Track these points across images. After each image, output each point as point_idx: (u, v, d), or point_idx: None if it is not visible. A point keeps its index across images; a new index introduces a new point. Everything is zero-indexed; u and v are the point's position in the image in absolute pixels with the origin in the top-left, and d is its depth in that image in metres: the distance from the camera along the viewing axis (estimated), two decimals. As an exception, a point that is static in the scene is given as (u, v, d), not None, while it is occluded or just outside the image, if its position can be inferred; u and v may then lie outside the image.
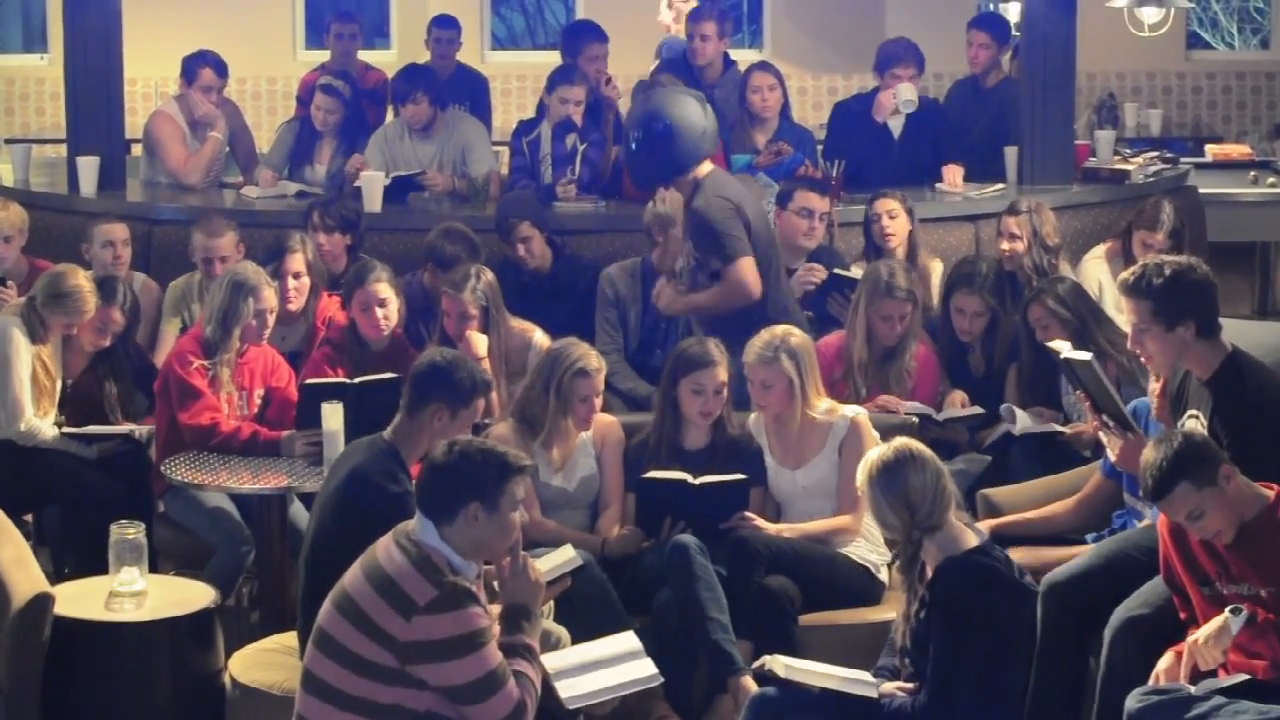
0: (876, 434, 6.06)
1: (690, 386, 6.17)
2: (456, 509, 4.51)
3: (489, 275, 6.92)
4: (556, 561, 5.44)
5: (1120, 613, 5.23)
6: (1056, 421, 6.75)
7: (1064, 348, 5.71)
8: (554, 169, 8.59)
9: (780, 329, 6.20)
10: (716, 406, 6.17)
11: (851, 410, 6.19)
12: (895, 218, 7.68)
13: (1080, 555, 5.58)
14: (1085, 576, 5.45)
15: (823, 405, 6.16)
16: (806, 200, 7.59)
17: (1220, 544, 4.91)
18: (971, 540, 5.00)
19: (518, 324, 6.99)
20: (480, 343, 6.76)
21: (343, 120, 9.05)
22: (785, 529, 6.03)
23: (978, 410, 6.86)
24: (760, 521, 5.99)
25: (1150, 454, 4.87)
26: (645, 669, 5.00)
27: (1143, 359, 5.40)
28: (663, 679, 5.05)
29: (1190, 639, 4.90)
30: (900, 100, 8.74)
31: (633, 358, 7.47)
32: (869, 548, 6.05)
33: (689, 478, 5.98)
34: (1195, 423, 5.20)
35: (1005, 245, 7.58)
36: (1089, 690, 5.44)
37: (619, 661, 4.99)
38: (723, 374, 6.15)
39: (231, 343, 6.62)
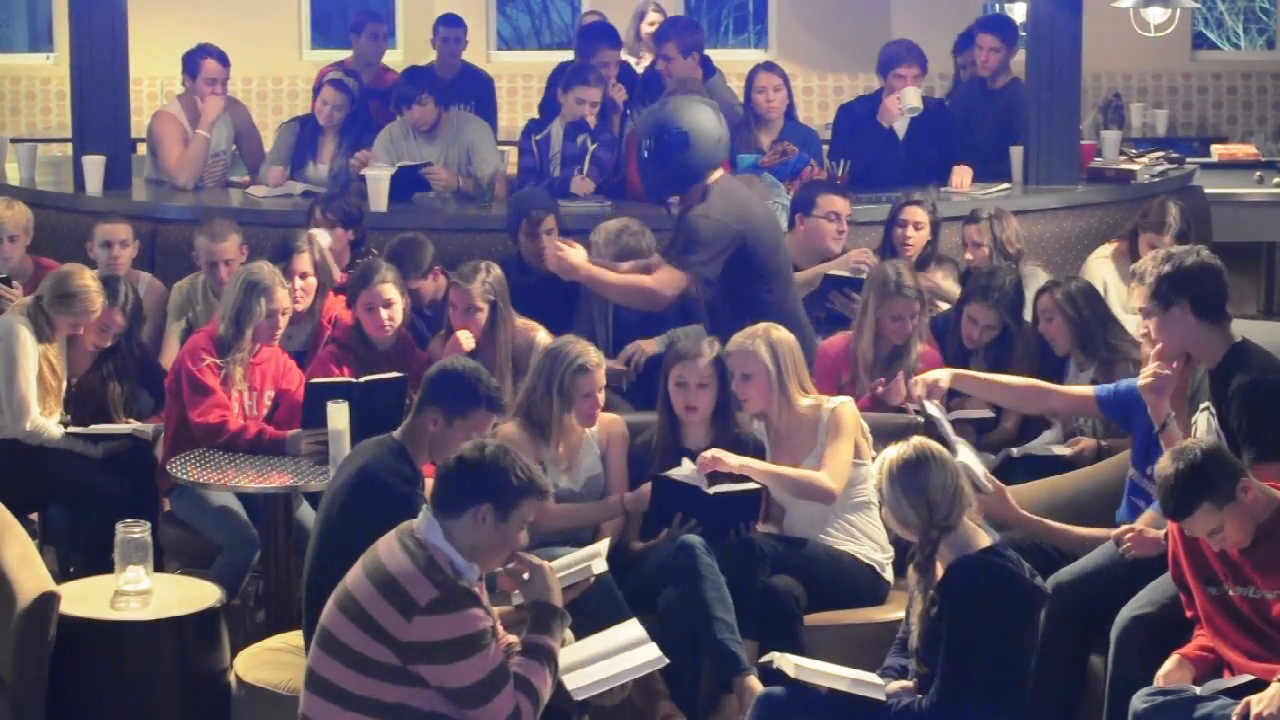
0: (863, 421, 6.06)
1: (675, 379, 6.16)
2: (468, 505, 4.50)
3: (498, 270, 6.91)
4: (579, 554, 5.42)
5: (1126, 612, 5.24)
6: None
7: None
8: (563, 167, 8.58)
9: (763, 325, 6.16)
10: (700, 402, 6.13)
11: (834, 401, 6.13)
12: (920, 229, 7.75)
13: (1085, 557, 5.60)
14: (1089, 576, 5.46)
15: (807, 401, 6.11)
16: (832, 204, 7.64)
17: (1235, 550, 4.92)
18: (984, 540, 4.99)
19: (522, 323, 6.97)
20: (466, 339, 6.74)
21: (347, 118, 9.06)
22: (754, 464, 5.94)
23: (988, 413, 6.86)
24: (723, 454, 5.90)
25: (1167, 467, 4.86)
26: (649, 653, 5.01)
27: (1153, 351, 5.43)
28: (667, 660, 5.06)
29: (1256, 706, 4.72)
30: (905, 106, 8.75)
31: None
32: (874, 547, 6.05)
33: (703, 485, 5.95)
34: (1205, 414, 5.22)
35: (968, 254, 7.71)
36: (1088, 690, 5.45)
37: (623, 650, 5.01)
38: (706, 367, 6.12)
39: (244, 342, 6.62)
